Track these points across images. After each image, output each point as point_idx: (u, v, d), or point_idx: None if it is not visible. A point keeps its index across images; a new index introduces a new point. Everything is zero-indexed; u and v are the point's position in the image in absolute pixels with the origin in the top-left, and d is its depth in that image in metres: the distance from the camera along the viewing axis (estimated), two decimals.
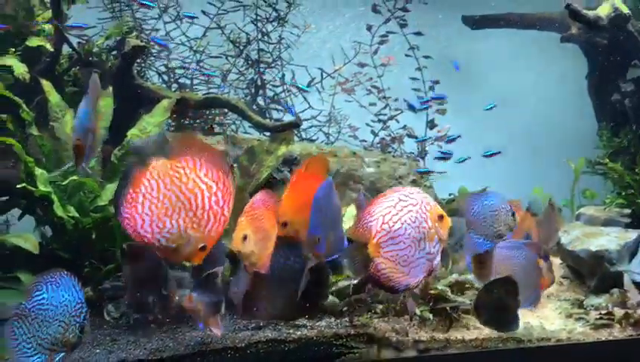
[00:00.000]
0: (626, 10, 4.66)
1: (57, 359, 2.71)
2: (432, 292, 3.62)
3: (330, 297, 3.55)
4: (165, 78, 4.44)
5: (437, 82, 4.68)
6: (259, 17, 4.49)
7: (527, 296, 3.33)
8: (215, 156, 2.75)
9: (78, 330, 2.72)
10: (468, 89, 4.70)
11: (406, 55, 4.62)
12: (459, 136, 4.50)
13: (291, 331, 3.31)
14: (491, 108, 4.59)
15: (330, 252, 2.93)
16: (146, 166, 2.67)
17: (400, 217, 2.86)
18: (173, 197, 2.67)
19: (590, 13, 4.61)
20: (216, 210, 2.74)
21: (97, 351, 3.10)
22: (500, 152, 4.44)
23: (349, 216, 3.88)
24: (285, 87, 4.56)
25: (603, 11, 4.66)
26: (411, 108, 4.55)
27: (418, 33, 4.55)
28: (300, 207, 2.95)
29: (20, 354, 2.67)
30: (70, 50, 3.99)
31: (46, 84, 3.70)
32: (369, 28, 4.57)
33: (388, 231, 2.84)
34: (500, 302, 3.35)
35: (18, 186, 3.48)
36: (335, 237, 2.95)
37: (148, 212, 2.63)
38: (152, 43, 4.32)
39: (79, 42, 4.11)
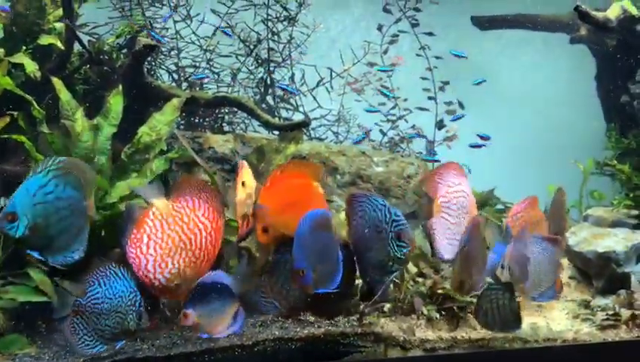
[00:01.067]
0: (635, 12, 4.66)
1: (118, 347, 2.88)
2: (439, 291, 3.62)
3: None
4: (175, 76, 4.45)
5: (447, 83, 4.67)
6: (269, 17, 4.48)
7: (546, 289, 3.38)
8: (211, 195, 2.92)
9: (136, 318, 2.84)
10: (478, 89, 4.69)
11: (417, 55, 4.60)
12: (487, 141, 4.48)
13: (298, 329, 3.32)
14: (479, 83, 4.60)
15: (319, 285, 2.93)
16: (149, 206, 2.78)
17: (456, 197, 3.29)
18: (176, 237, 2.80)
19: (599, 15, 4.61)
20: (210, 249, 2.91)
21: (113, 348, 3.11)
22: (484, 145, 4.46)
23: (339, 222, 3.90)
24: (294, 86, 4.55)
25: (612, 13, 4.66)
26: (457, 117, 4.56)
27: (430, 33, 4.55)
28: (277, 211, 3.02)
29: (83, 345, 2.80)
30: (81, 48, 4.00)
31: (57, 82, 3.71)
32: (380, 28, 4.56)
33: (449, 200, 3.26)
34: (499, 304, 3.38)
35: None
36: (325, 270, 2.95)
37: (152, 253, 2.75)
38: (161, 42, 4.33)
39: (90, 40, 4.12)
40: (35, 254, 2.79)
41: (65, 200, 2.79)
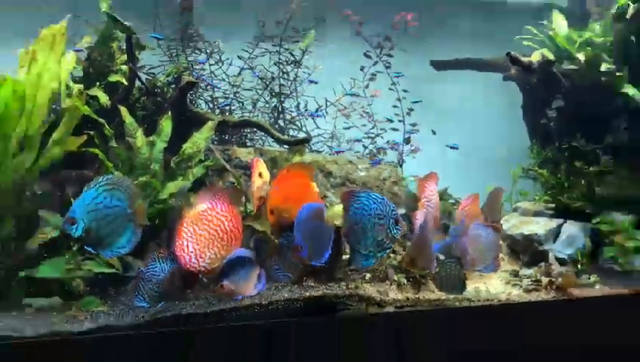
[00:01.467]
0: (551, 57, 4.68)
1: (159, 306, 2.99)
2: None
3: None
4: (210, 105, 4.45)
5: (412, 110, 4.67)
6: (281, 60, 4.50)
7: (489, 263, 3.42)
8: (222, 194, 2.98)
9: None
10: (434, 115, 4.70)
11: (390, 89, 4.61)
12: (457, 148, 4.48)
13: (302, 292, 3.33)
14: (417, 102, 4.62)
15: (313, 258, 3.02)
16: (183, 217, 2.87)
17: (433, 196, 3.44)
18: (206, 233, 2.89)
19: (525, 59, 4.62)
20: (235, 231, 3.00)
21: (158, 306, 3.11)
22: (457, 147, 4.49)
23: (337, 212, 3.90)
24: (299, 112, 4.56)
25: (534, 58, 4.68)
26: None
27: (398, 74, 4.55)
28: (284, 199, 3.12)
29: (139, 302, 2.95)
30: (140, 84, 4.00)
31: (123, 110, 3.72)
32: (362, 68, 4.57)
33: (429, 199, 3.40)
34: (451, 273, 3.39)
35: None
36: (316, 248, 3.03)
37: (192, 250, 2.85)
38: (200, 79, 4.33)
39: (147, 78, 4.13)
40: (90, 249, 2.87)
41: (111, 209, 2.86)
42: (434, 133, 4.57)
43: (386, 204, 3.06)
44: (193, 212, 2.92)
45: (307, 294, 3.29)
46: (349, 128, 4.66)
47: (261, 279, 3.11)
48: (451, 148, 4.47)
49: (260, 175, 3.36)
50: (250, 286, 3.09)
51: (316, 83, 4.48)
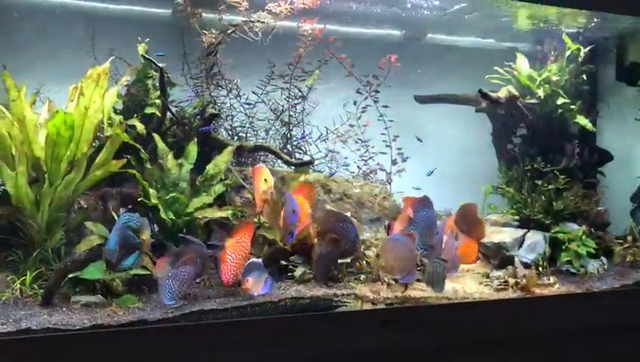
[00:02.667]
0: (516, 92, 4.70)
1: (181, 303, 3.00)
2: None
3: None
4: (230, 133, 4.47)
5: (397, 136, 4.68)
6: (290, 96, 4.52)
7: (408, 272, 3.30)
8: (247, 226, 3.28)
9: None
10: (418, 142, 4.72)
11: (378, 119, 4.62)
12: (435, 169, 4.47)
13: (307, 291, 3.32)
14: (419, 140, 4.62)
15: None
16: (224, 247, 3.13)
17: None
18: (241, 256, 3.17)
19: (494, 95, 4.65)
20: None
21: (185, 302, 3.10)
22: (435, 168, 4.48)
23: None
24: (297, 138, 4.58)
25: (502, 93, 4.69)
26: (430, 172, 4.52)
27: (385, 106, 4.57)
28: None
29: (166, 299, 3.05)
30: (171, 115, 4.01)
31: (156, 137, 3.74)
32: (355, 102, 4.59)
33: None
34: (437, 272, 3.36)
35: (138, 199, 3.53)
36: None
37: (232, 270, 3.14)
38: (221, 112, 4.34)
39: (177, 110, 4.14)
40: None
41: (127, 239, 3.07)
42: (420, 140, 4.56)
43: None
44: (230, 241, 3.16)
45: (311, 293, 3.28)
46: (329, 154, 4.62)
47: (267, 283, 3.16)
48: (428, 175, 4.51)
49: (265, 180, 3.40)
50: (260, 287, 3.14)
51: (251, 105, 4.49)
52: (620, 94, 5.33)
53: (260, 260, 3.23)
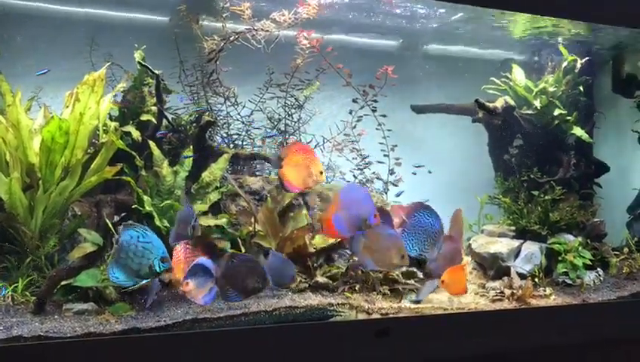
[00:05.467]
0: (512, 103, 4.71)
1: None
2: (390, 277, 3.61)
3: (326, 279, 3.54)
4: (226, 140, 4.45)
5: (395, 145, 4.67)
6: (286, 104, 4.51)
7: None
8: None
9: None
10: (416, 149, 4.73)
11: (376, 129, 4.62)
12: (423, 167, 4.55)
13: (301, 300, 3.30)
14: (419, 167, 4.61)
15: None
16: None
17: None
18: None
19: (490, 105, 4.66)
20: None
21: (178, 311, 3.09)
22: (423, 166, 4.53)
23: None
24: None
25: (498, 103, 4.70)
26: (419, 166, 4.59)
27: (383, 115, 4.57)
28: None
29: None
30: (167, 122, 4.00)
31: (151, 144, 3.72)
32: (350, 112, 4.58)
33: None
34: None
35: (132, 207, 3.51)
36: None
37: None
38: (217, 119, 4.33)
39: (172, 117, 4.13)
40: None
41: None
42: (417, 167, 4.55)
43: None
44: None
45: (305, 302, 3.26)
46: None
47: (212, 292, 2.91)
48: (417, 167, 4.52)
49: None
50: (201, 294, 2.91)
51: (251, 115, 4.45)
52: (617, 106, 5.35)
53: (209, 262, 2.91)
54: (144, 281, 2.82)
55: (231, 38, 4.15)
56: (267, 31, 4.14)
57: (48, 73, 3.88)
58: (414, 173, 4.56)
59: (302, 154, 3.08)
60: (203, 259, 2.94)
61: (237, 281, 2.94)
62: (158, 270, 2.79)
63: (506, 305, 3.61)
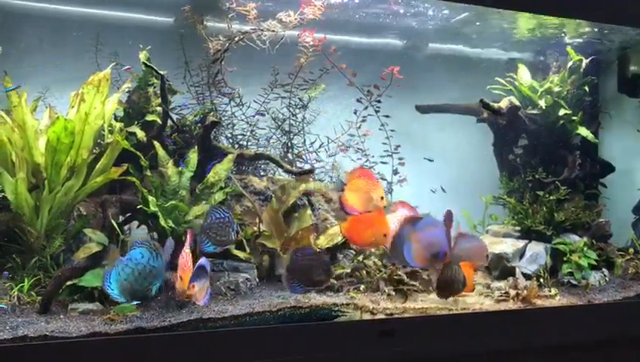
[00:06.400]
0: (517, 103, 4.70)
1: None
2: (395, 277, 3.61)
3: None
4: (230, 141, 4.46)
5: (399, 146, 4.67)
6: (290, 104, 4.52)
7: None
8: None
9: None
10: (420, 149, 4.73)
11: (379, 129, 4.62)
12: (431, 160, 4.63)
13: (306, 300, 3.29)
14: (430, 160, 4.60)
15: None
16: None
17: None
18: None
19: (495, 105, 4.65)
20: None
21: (183, 311, 3.09)
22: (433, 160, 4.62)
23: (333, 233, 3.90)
24: (305, 148, 4.56)
25: (503, 103, 4.70)
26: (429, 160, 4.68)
27: (387, 116, 4.57)
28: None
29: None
30: (172, 122, 4.01)
31: (156, 144, 3.72)
32: (355, 112, 4.58)
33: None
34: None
35: (137, 207, 3.52)
36: None
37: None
38: (222, 120, 4.33)
39: (177, 118, 4.14)
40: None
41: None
42: (430, 160, 4.55)
43: None
44: None
45: (310, 302, 3.26)
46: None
47: (208, 293, 2.93)
48: (428, 160, 4.58)
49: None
50: (202, 296, 2.91)
51: (263, 115, 4.45)
52: (622, 106, 5.33)
53: (207, 263, 2.93)
54: (135, 303, 2.83)
55: (236, 39, 4.15)
56: (273, 31, 4.14)
57: (54, 74, 3.91)
58: (430, 160, 4.58)
59: (364, 180, 3.25)
60: (204, 261, 2.95)
61: (302, 274, 3.12)
62: (153, 294, 2.81)
63: (510, 305, 3.60)
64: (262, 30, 4.15)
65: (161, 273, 2.80)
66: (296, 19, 4.15)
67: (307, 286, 3.15)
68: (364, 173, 3.30)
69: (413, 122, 5.02)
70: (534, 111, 4.80)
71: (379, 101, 4.57)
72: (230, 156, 3.94)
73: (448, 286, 3.22)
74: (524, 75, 4.90)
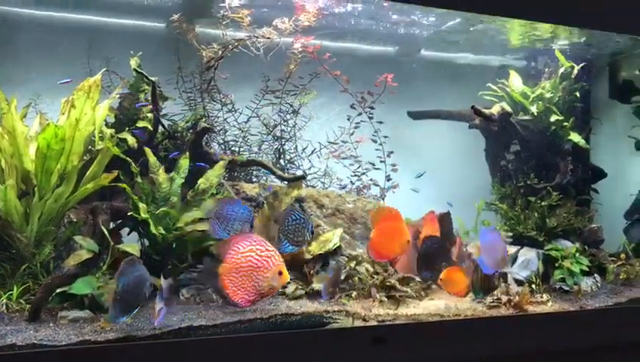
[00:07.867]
0: (509, 109, 4.71)
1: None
2: (387, 284, 3.60)
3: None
4: (222, 147, 4.45)
5: (392, 152, 4.68)
6: (282, 110, 4.52)
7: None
8: (238, 239, 3.09)
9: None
10: (412, 156, 4.74)
11: (373, 135, 4.63)
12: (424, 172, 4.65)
13: (297, 307, 3.29)
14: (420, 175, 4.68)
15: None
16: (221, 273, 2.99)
17: None
18: (243, 274, 3.02)
19: (487, 111, 4.66)
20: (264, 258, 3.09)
21: (174, 318, 3.08)
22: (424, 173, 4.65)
23: (337, 235, 3.90)
24: (297, 154, 4.56)
25: (495, 110, 4.71)
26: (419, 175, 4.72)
27: (380, 122, 4.57)
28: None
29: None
30: (163, 129, 4.00)
31: (147, 151, 3.71)
32: (348, 118, 4.59)
33: None
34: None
35: (128, 214, 3.50)
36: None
37: (239, 290, 3.02)
38: (214, 126, 4.32)
39: (169, 124, 4.13)
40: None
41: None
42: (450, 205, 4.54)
43: None
44: (223, 265, 3.00)
45: (302, 309, 3.25)
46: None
47: (162, 313, 2.87)
48: (419, 176, 4.63)
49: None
50: (157, 314, 2.87)
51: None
52: (614, 112, 5.36)
53: (167, 287, 2.90)
54: (135, 310, 2.89)
55: (230, 47, 4.15)
56: (268, 38, 4.14)
57: (44, 80, 3.90)
58: (420, 175, 4.60)
59: (391, 223, 3.37)
60: (165, 283, 2.93)
61: (430, 261, 3.35)
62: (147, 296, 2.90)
63: (502, 311, 3.59)
64: (256, 37, 4.15)
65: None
66: (291, 25, 4.15)
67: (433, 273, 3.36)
68: (390, 216, 3.38)
69: (406, 128, 5.03)
70: (526, 118, 4.82)
71: (372, 108, 4.57)
72: (221, 162, 3.93)
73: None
74: (515, 82, 4.92)
